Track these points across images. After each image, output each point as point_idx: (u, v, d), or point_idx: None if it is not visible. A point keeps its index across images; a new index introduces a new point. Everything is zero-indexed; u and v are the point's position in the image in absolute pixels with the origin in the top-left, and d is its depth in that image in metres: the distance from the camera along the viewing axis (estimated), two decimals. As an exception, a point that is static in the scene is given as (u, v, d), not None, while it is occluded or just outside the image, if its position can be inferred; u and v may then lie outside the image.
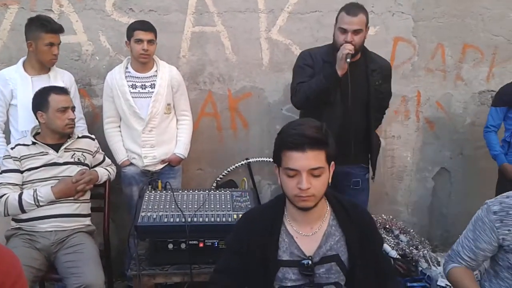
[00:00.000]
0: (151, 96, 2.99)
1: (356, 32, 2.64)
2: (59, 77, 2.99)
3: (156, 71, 3.04)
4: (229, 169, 3.59)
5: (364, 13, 2.69)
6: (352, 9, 2.66)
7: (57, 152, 2.68)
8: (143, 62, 2.99)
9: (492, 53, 3.63)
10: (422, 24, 3.53)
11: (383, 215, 3.54)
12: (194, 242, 2.32)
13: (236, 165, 3.60)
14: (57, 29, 2.86)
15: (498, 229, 1.80)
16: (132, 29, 2.93)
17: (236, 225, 1.79)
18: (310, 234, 1.66)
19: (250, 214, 1.80)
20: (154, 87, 3.00)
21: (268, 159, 3.60)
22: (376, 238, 1.79)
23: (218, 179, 3.56)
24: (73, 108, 2.72)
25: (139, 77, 3.02)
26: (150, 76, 3.03)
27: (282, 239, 1.66)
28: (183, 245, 2.32)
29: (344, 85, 2.70)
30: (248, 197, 2.53)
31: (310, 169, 1.51)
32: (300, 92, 2.78)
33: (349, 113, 2.74)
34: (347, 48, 2.59)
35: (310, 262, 1.63)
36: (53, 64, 2.95)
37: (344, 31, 2.65)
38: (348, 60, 2.59)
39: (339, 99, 2.75)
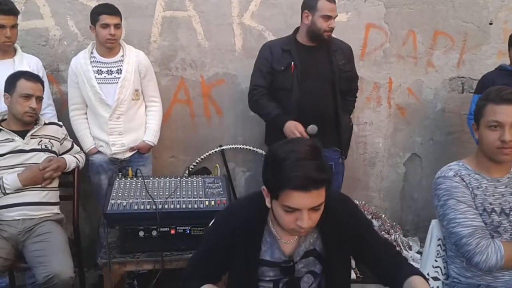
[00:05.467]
0: (117, 82, 2.92)
1: (335, 18, 2.85)
2: (25, 62, 2.92)
3: (123, 56, 2.98)
4: (202, 157, 3.56)
5: None
6: None
7: (23, 139, 2.62)
8: (110, 47, 2.93)
9: (463, 40, 3.67)
10: (394, 10, 3.54)
11: (355, 201, 3.57)
12: (166, 229, 2.30)
13: (210, 152, 3.57)
14: (6, 11, 2.76)
15: (464, 187, 1.87)
16: (97, 13, 2.86)
17: (216, 220, 1.72)
18: (292, 240, 1.63)
19: (232, 209, 1.75)
20: (120, 73, 2.94)
21: (242, 146, 3.58)
22: (358, 221, 1.68)
23: (192, 166, 3.53)
24: (38, 98, 2.64)
25: (105, 62, 2.95)
26: (116, 61, 2.96)
27: (265, 239, 1.63)
28: (154, 233, 2.29)
29: (300, 72, 2.83)
30: (220, 183, 2.51)
31: (312, 207, 1.43)
32: (253, 102, 2.99)
33: (312, 96, 2.83)
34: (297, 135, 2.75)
35: (292, 263, 1.61)
36: (7, 47, 2.86)
37: (328, 18, 2.80)
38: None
39: (296, 84, 2.84)
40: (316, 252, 1.65)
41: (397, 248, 2.80)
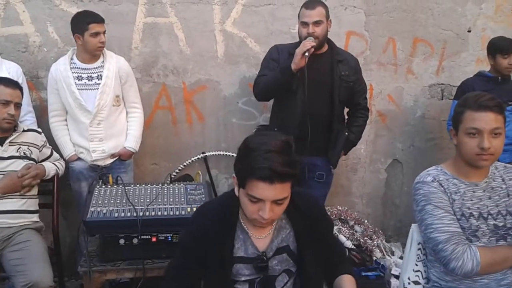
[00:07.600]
0: (98, 88, 2.91)
1: (316, 23, 2.79)
2: (5, 68, 2.90)
3: (103, 61, 2.97)
4: (185, 163, 3.55)
5: (322, 6, 2.84)
6: (310, 4, 2.83)
7: (2, 146, 2.59)
8: (98, 54, 2.94)
9: (442, 47, 3.73)
10: (374, 18, 3.58)
11: (338, 207, 3.59)
12: (147, 236, 2.28)
13: (192, 159, 3.56)
14: None
15: (442, 192, 1.88)
16: (85, 22, 2.84)
17: (189, 222, 1.73)
18: (263, 236, 1.66)
19: (204, 210, 1.76)
20: (101, 79, 2.92)
21: (224, 153, 3.58)
22: (325, 222, 1.79)
23: (174, 173, 3.51)
24: (16, 105, 2.62)
25: (85, 68, 2.94)
26: (96, 67, 2.95)
27: (237, 236, 1.65)
28: (135, 240, 2.27)
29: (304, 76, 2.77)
30: (202, 190, 2.50)
31: (275, 199, 1.47)
32: (259, 84, 2.91)
33: (309, 103, 2.79)
34: (307, 45, 2.67)
35: (265, 258, 1.63)
36: None
37: (305, 24, 2.80)
38: (307, 54, 2.68)
39: (301, 89, 2.81)
40: (289, 249, 1.67)
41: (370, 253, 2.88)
